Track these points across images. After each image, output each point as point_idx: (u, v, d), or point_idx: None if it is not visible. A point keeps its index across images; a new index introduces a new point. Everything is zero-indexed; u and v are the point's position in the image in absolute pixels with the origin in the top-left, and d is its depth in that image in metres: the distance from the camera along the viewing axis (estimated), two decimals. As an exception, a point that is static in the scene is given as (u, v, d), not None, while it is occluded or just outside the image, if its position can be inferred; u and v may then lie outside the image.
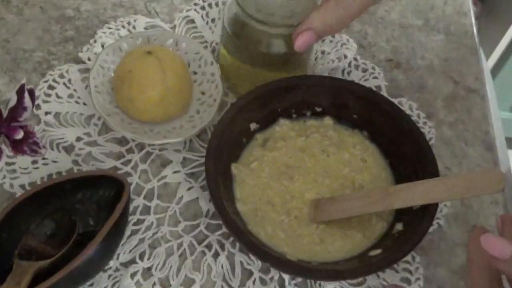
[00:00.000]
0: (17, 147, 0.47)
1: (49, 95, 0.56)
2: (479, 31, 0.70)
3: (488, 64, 1.30)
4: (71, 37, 0.61)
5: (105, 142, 0.54)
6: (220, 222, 0.50)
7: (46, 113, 0.55)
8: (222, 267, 0.48)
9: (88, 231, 0.47)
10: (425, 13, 0.69)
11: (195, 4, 0.65)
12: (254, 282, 0.48)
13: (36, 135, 0.48)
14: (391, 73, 0.63)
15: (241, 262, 0.49)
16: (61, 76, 0.57)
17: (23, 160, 0.51)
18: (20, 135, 0.47)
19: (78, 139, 0.54)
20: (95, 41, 0.60)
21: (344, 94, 0.53)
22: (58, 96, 0.56)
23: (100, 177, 0.48)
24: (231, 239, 0.50)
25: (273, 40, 0.52)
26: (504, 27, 1.26)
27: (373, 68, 0.62)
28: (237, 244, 0.49)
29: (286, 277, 0.48)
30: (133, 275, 0.47)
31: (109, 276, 0.47)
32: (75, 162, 0.52)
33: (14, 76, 0.57)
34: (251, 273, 0.48)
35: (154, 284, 0.47)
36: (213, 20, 0.64)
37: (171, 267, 0.48)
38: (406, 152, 0.51)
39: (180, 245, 0.49)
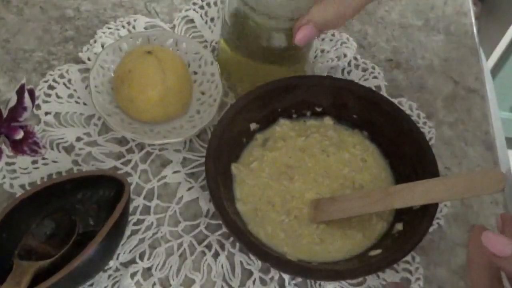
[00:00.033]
0: (17, 147, 0.47)
1: (49, 95, 0.56)
2: (479, 31, 0.70)
3: (488, 64, 1.30)
4: (71, 37, 0.61)
5: (105, 142, 0.54)
6: (220, 222, 0.50)
7: (46, 113, 0.55)
8: (222, 267, 0.48)
9: (88, 231, 0.47)
10: (425, 13, 0.69)
11: (194, 4, 0.65)
12: (254, 282, 0.48)
13: (36, 135, 0.48)
14: (391, 73, 0.63)
15: (241, 262, 0.49)
16: (61, 76, 0.57)
17: (23, 160, 0.51)
18: (20, 135, 0.47)
19: (78, 139, 0.54)
20: (95, 41, 0.60)
21: (344, 94, 0.53)
22: (58, 96, 0.56)
23: (100, 177, 0.48)
24: (231, 239, 0.49)
25: (274, 33, 0.52)
26: (504, 27, 1.26)
27: (373, 68, 0.62)
28: (237, 244, 0.49)
29: (286, 277, 0.48)
30: (133, 275, 0.47)
31: (109, 276, 0.47)
32: (75, 162, 0.52)
33: (14, 76, 0.57)
34: (251, 273, 0.48)
35: (154, 284, 0.47)
36: (212, 20, 0.64)
37: (171, 267, 0.48)
38: (406, 152, 0.51)
39: (180, 245, 0.49)
